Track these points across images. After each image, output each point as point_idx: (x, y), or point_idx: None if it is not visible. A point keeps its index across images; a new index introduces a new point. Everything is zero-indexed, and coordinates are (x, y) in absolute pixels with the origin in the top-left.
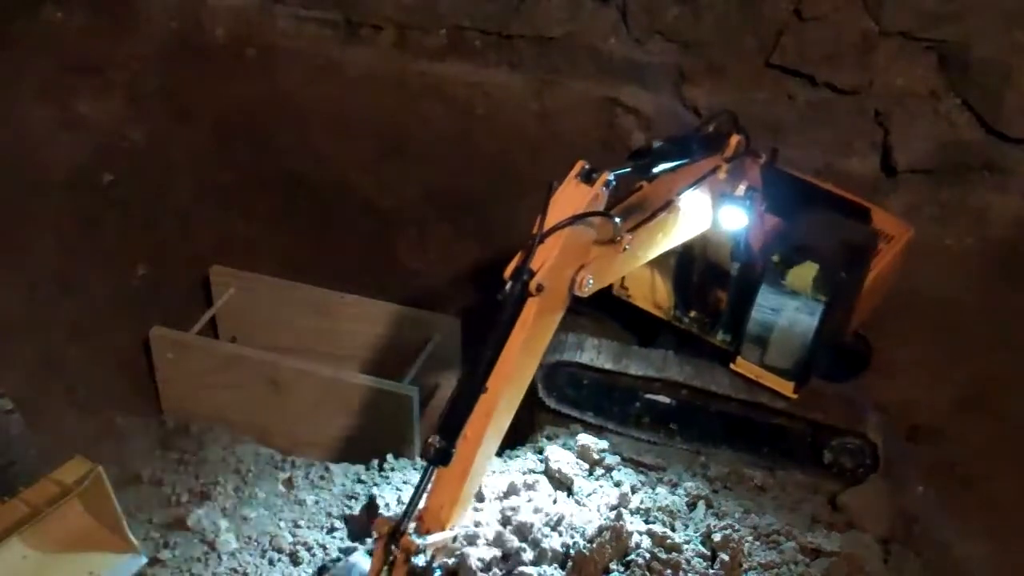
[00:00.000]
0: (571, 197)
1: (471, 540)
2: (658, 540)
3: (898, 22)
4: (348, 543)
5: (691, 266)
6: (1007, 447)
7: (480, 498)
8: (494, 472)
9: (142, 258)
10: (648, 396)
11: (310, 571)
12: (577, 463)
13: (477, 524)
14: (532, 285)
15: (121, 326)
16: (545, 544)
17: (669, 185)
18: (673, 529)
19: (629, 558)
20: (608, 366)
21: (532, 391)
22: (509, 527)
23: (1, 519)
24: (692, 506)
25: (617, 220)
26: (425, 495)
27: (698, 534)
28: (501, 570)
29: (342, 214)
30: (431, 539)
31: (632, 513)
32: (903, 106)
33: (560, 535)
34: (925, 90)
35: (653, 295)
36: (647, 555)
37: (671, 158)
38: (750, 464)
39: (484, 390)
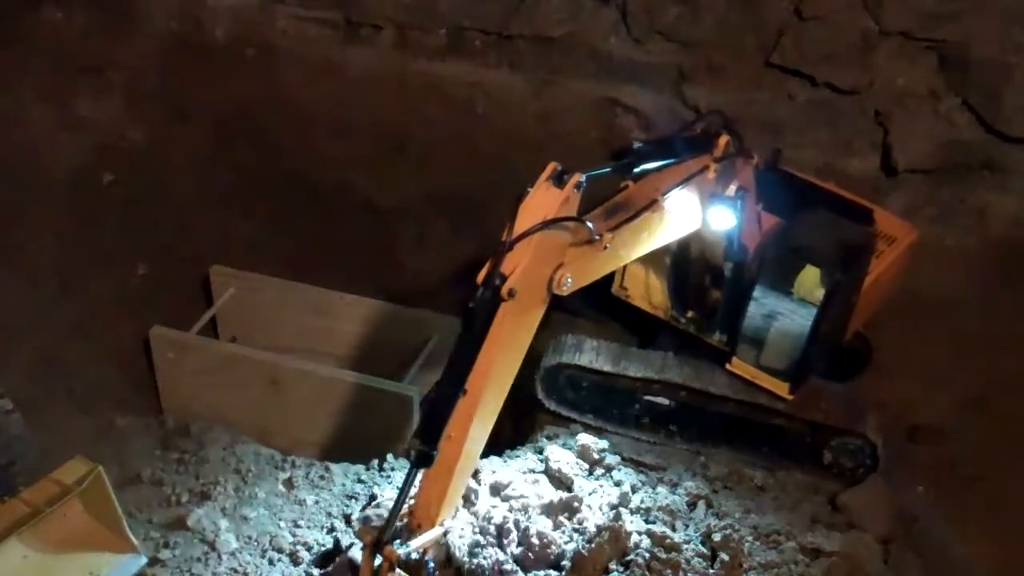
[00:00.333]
0: (542, 200)
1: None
2: (658, 540)
3: (898, 22)
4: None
5: (687, 266)
6: (1007, 447)
7: (476, 493)
8: (494, 472)
9: (142, 258)
10: (647, 398)
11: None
12: (577, 463)
13: (477, 516)
14: (503, 290)
15: (121, 326)
16: (541, 540)
17: (656, 184)
18: (673, 529)
19: (629, 558)
20: (607, 368)
21: (532, 393)
22: (505, 520)
23: (1, 519)
24: (692, 506)
25: (589, 224)
26: (411, 497)
27: (698, 534)
28: (488, 558)
29: (342, 214)
30: (415, 542)
31: (632, 513)
32: (903, 106)
33: (561, 533)
34: (925, 90)
35: (652, 295)
36: (646, 555)
37: (653, 158)
38: (750, 464)
39: (464, 392)
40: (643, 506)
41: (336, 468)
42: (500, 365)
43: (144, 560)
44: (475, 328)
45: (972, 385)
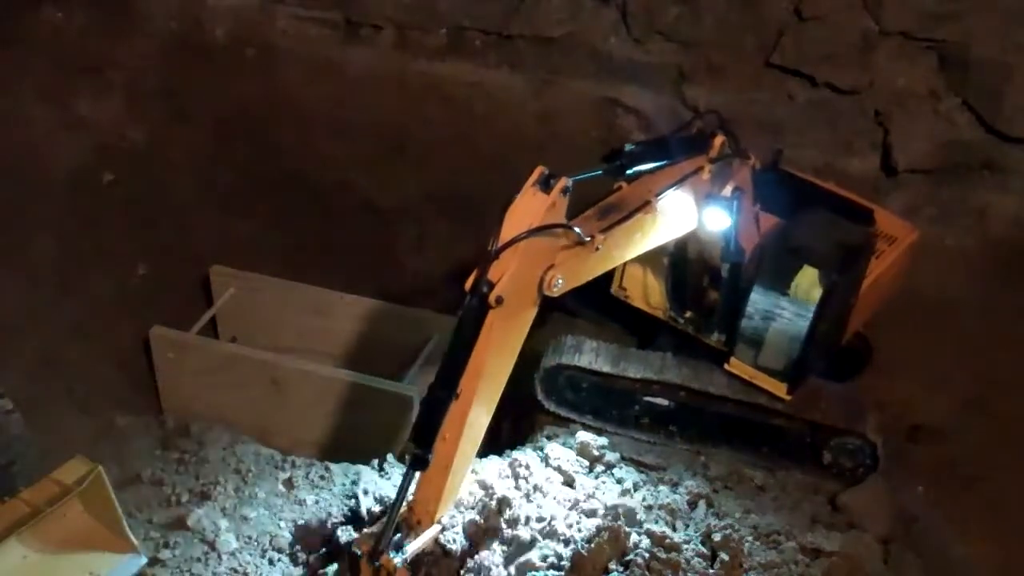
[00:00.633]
0: (528, 206)
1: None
2: (657, 540)
3: (898, 22)
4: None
5: (685, 266)
6: (1007, 447)
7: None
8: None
9: (142, 258)
10: (647, 398)
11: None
12: (577, 460)
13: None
14: (491, 298)
15: (121, 326)
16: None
17: (650, 186)
18: (673, 529)
19: (628, 558)
20: (606, 369)
21: (531, 394)
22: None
23: (1, 519)
24: (693, 505)
25: (577, 230)
26: (406, 502)
27: (698, 534)
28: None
29: (342, 214)
30: (411, 547)
31: (632, 512)
32: (903, 106)
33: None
34: (925, 90)
35: (650, 296)
36: (646, 555)
37: (646, 160)
38: (750, 464)
39: (456, 396)
40: (643, 505)
41: (336, 468)
42: (492, 368)
43: (144, 560)
44: (464, 335)
45: (972, 385)
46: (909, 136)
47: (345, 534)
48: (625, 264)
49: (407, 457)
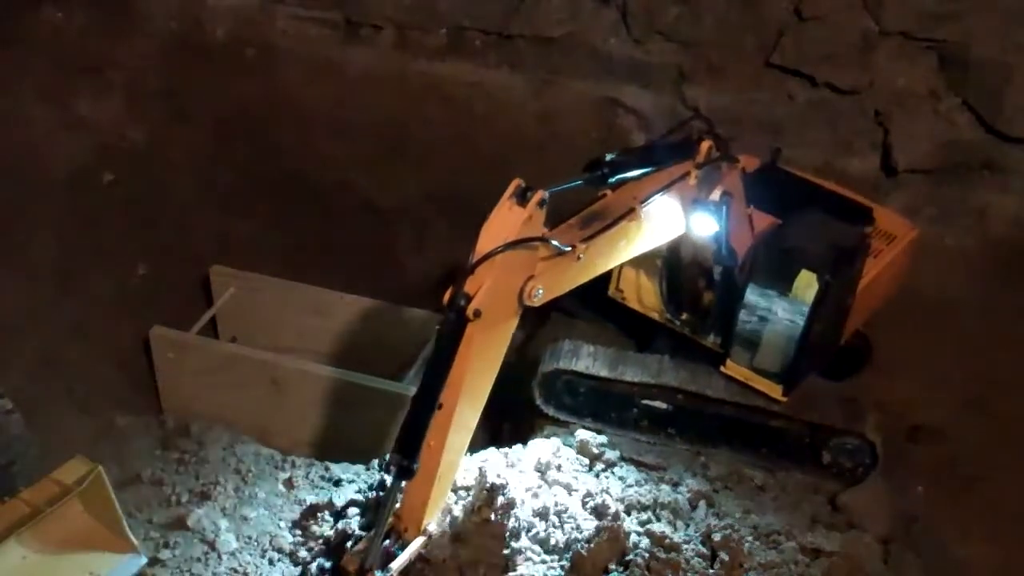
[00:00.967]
0: (505, 219)
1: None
2: (657, 540)
3: (898, 22)
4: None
5: (680, 268)
6: (1007, 447)
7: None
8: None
9: (142, 258)
10: (645, 402)
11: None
12: (577, 458)
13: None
14: (469, 311)
15: (121, 326)
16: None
17: (634, 192)
18: (673, 528)
19: (628, 558)
20: (604, 373)
21: (529, 399)
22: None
23: (1, 519)
24: (693, 505)
25: (555, 243)
26: (392, 515)
27: (698, 534)
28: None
29: (342, 214)
30: (397, 564)
31: (631, 512)
32: (903, 106)
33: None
34: (925, 90)
35: (646, 298)
36: (646, 555)
37: (628, 169)
38: (750, 465)
39: (439, 406)
40: (643, 504)
41: (336, 468)
42: (473, 379)
43: (144, 560)
44: (444, 348)
45: (972, 385)
46: (909, 136)
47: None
48: (621, 266)
49: (391, 468)
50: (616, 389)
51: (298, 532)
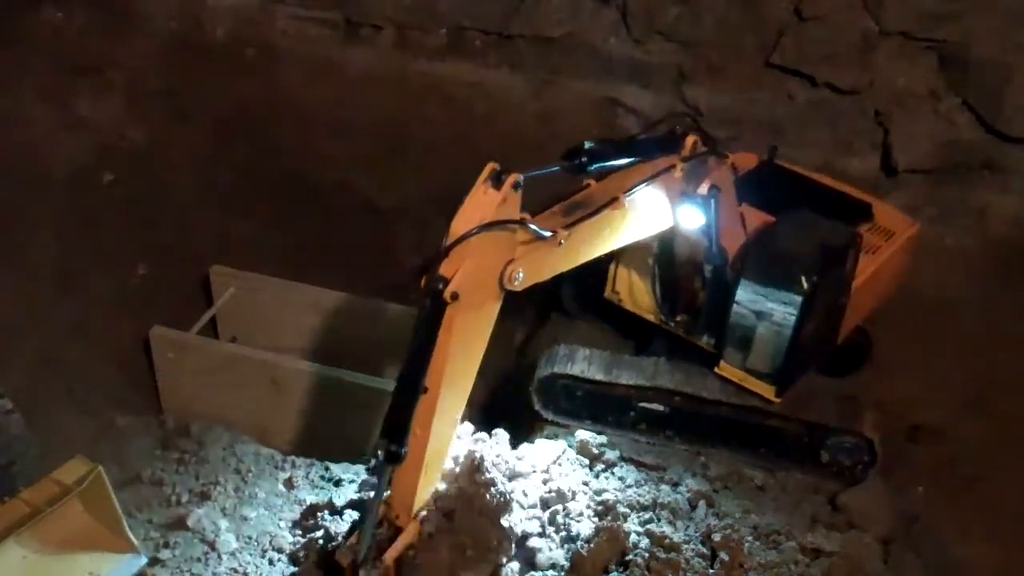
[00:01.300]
0: (479, 203)
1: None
2: (657, 540)
3: (898, 22)
4: None
5: (673, 268)
6: (1007, 447)
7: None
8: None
9: (142, 258)
10: (642, 404)
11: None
12: (577, 458)
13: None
14: (446, 294)
15: (121, 326)
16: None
17: (619, 183)
18: (674, 528)
19: (628, 558)
20: (599, 377)
21: (527, 403)
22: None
23: (1, 519)
24: (693, 505)
25: (533, 226)
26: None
27: (698, 534)
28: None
29: (342, 214)
30: (389, 555)
31: (631, 512)
32: (903, 106)
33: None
34: (925, 90)
35: (642, 299)
36: (646, 555)
37: (608, 158)
38: (749, 466)
39: (424, 390)
40: (643, 504)
41: (336, 468)
42: (457, 363)
43: (144, 560)
44: (424, 331)
45: (972, 385)
46: (909, 136)
47: None
48: (616, 267)
49: (379, 453)
50: (613, 392)
51: (298, 532)
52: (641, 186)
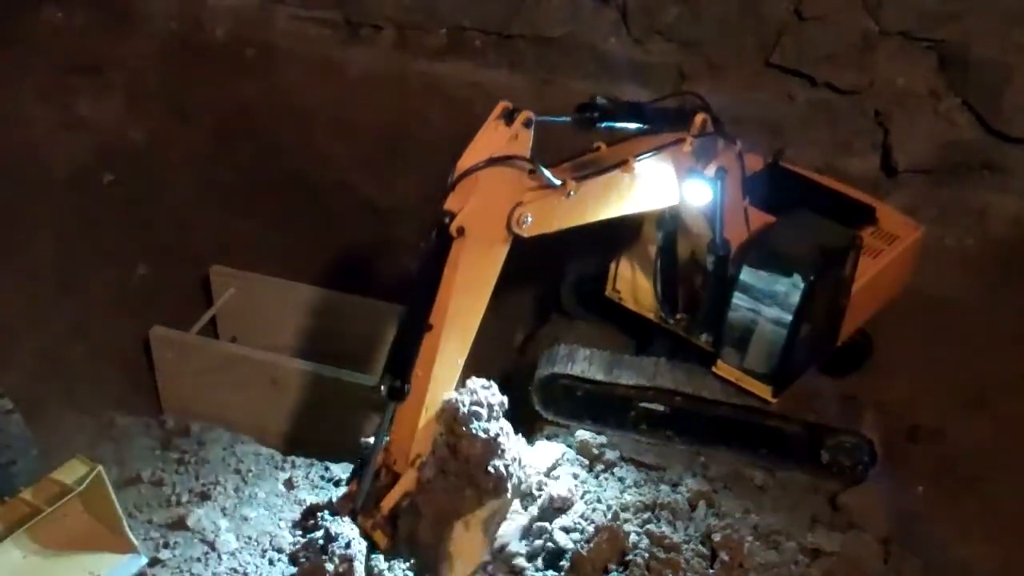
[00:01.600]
0: (490, 138)
1: None
2: (657, 540)
3: (898, 22)
4: None
5: (674, 267)
6: (1007, 447)
7: None
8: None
9: (142, 258)
10: (642, 404)
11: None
12: (577, 459)
13: None
14: (452, 228)
15: (121, 326)
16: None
17: (630, 149)
18: (674, 528)
19: (628, 558)
20: (600, 377)
21: (527, 403)
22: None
23: (1, 519)
24: (693, 506)
25: (544, 170)
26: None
27: (698, 534)
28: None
29: (342, 214)
30: (387, 503)
31: (631, 512)
32: (903, 106)
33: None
34: (925, 90)
35: (643, 297)
36: (646, 555)
37: (618, 118)
38: (749, 466)
39: (429, 327)
40: (643, 504)
41: (336, 468)
42: (461, 302)
43: (144, 560)
44: (430, 267)
45: (972, 385)
46: (909, 136)
47: None
48: (617, 266)
49: (383, 389)
50: (613, 392)
51: (298, 532)
52: (651, 153)
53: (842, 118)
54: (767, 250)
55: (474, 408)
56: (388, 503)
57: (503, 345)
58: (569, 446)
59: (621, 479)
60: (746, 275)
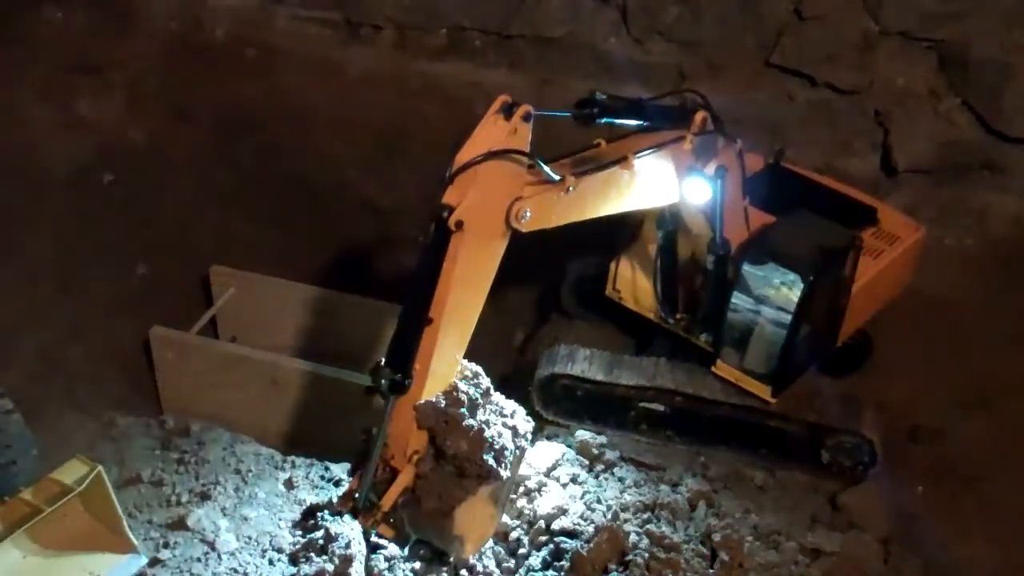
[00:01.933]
0: (489, 132)
1: None
2: (657, 540)
3: (898, 22)
4: None
5: (674, 267)
6: (1007, 447)
7: None
8: None
9: (142, 258)
10: (643, 404)
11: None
12: (577, 459)
13: None
14: (451, 222)
15: (121, 326)
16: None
17: (629, 147)
18: (674, 528)
19: (628, 558)
20: (600, 377)
21: (528, 403)
22: None
23: (1, 519)
24: (693, 506)
25: (543, 165)
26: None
27: (698, 534)
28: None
29: (342, 214)
30: (387, 499)
31: (631, 512)
32: (903, 106)
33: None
34: (925, 90)
35: (643, 297)
36: (646, 555)
37: (618, 115)
38: (749, 466)
39: (429, 321)
40: (643, 504)
41: (336, 468)
42: (460, 296)
43: (144, 560)
44: (428, 260)
45: (972, 385)
46: (909, 136)
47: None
48: (617, 265)
49: (384, 383)
50: (613, 392)
51: (298, 532)
52: (651, 150)
53: (842, 118)
54: (766, 250)
55: (453, 409)
56: (387, 501)
57: (503, 345)
58: (569, 446)
59: (621, 479)
60: (746, 275)
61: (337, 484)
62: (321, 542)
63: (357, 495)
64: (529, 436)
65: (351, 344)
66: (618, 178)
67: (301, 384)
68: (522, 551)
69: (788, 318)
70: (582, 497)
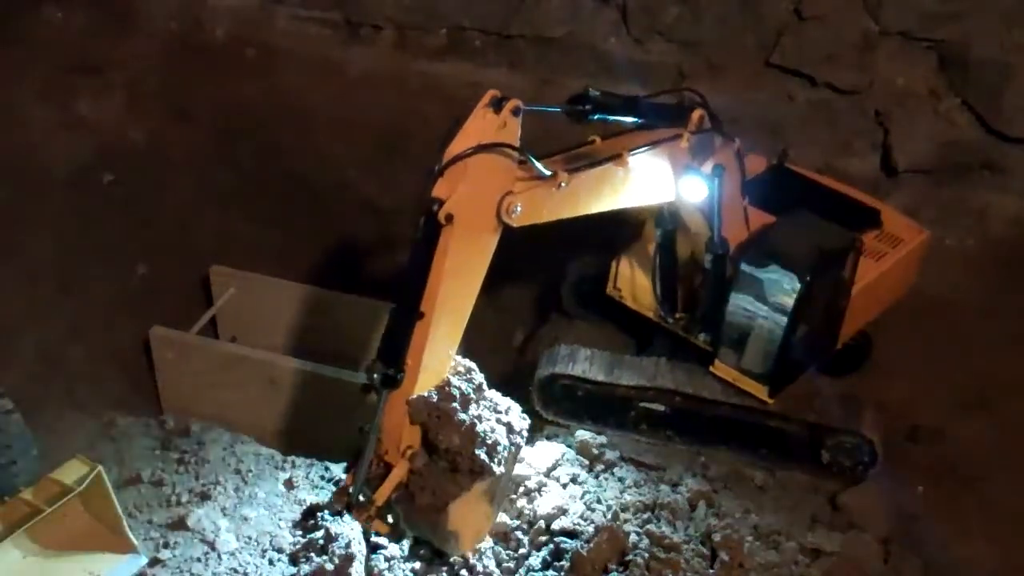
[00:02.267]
0: (478, 126)
1: None
2: (657, 540)
3: (898, 22)
4: None
5: (674, 266)
6: (1007, 447)
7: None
8: None
9: (142, 258)
10: (643, 404)
11: None
12: (577, 459)
13: None
14: (441, 215)
15: (121, 326)
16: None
17: (625, 144)
18: (674, 528)
19: (628, 558)
20: (600, 377)
21: (528, 403)
22: None
23: (1, 519)
24: (693, 506)
25: (534, 160)
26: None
27: (698, 534)
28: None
29: (342, 214)
30: (381, 494)
31: (631, 512)
32: (903, 106)
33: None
34: (925, 90)
35: (643, 296)
36: (646, 555)
37: (612, 112)
38: (749, 466)
39: (420, 315)
40: (643, 504)
41: (336, 468)
42: (451, 289)
43: (144, 560)
44: (419, 254)
45: (972, 385)
46: (909, 136)
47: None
48: (618, 264)
49: (376, 377)
50: (614, 393)
51: (298, 532)
52: (647, 148)
53: (842, 118)
54: (765, 249)
55: (445, 404)
56: (381, 496)
57: (503, 345)
58: (569, 446)
59: (621, 479)
60: (744, 274)
61: (337, 484)
62: (321, 542)
63: (351, 491)
64: (525, 433)
65: (351, 344)
66: (612, 175)
67: (301, 384)
68: (522, 551)
69: (785, 319)
70: (582, 497)
